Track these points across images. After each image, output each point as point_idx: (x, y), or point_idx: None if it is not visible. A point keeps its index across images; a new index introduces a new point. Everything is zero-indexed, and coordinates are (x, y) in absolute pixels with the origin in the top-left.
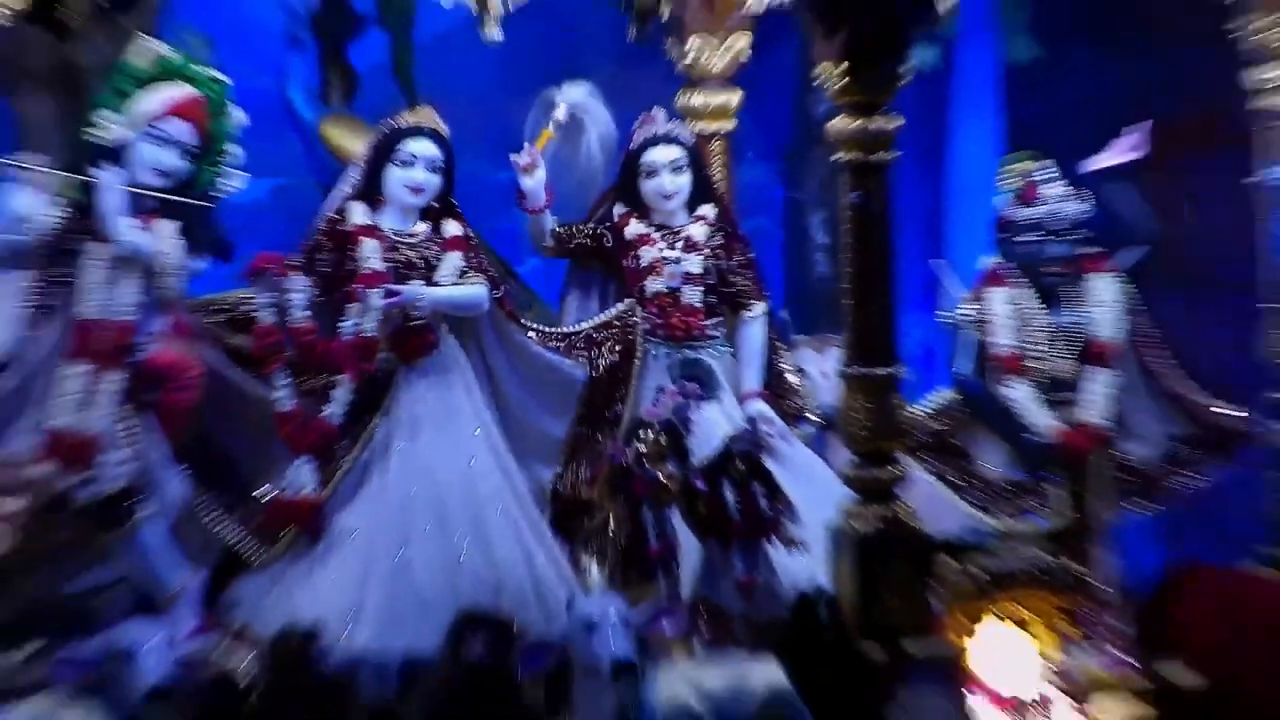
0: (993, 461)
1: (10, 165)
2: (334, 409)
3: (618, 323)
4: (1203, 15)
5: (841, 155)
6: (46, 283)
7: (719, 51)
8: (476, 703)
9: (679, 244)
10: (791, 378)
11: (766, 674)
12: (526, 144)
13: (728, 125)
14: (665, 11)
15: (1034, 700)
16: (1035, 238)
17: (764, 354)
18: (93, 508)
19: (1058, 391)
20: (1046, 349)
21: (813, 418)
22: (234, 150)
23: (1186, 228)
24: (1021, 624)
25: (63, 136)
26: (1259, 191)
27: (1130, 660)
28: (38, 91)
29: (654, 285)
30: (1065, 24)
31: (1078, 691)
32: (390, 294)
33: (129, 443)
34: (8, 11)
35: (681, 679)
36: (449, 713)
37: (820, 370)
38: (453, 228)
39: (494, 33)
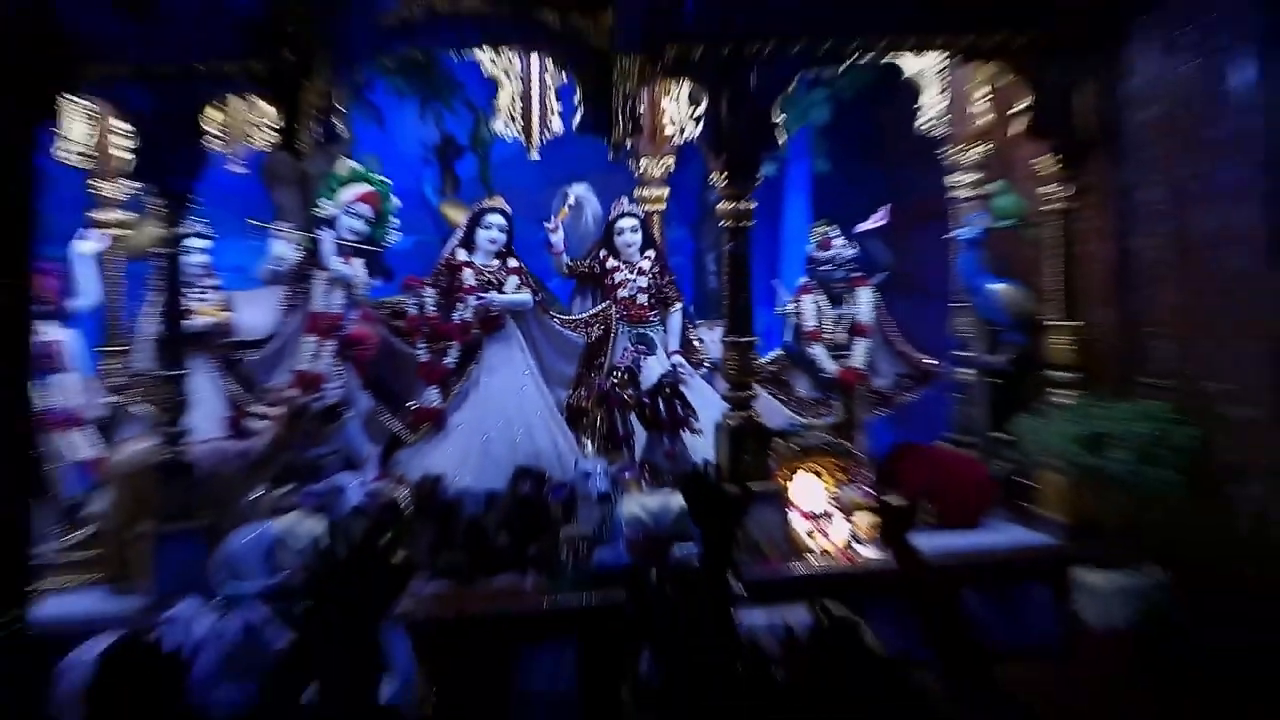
0: (803, 388)
1: (273, 228)
2: (449, 360)
3: (601, 314)
4: (925, 144)
5: (724, 223)
6: (293, 293)
7: (657, 165)
8: (526, 516)
9: (635, 272)
10: (696, 343)
11: (679, 501)
12: (552, 216)
13: (661, 206)
14: (628, 144)
15: (823, 513)
16: (828, 268)
17: (681, 330)
18: (320, 413)
19: (838, 351)
20: (833, 328)
21: (707, 365)
22: (393, 220)
23: (909, 262)
24: (817, 474)
25: (301, 212)
26: (951, 242)
27: (872, 492)
28: (287, 187)
29: (622, 293)
30: (846, 150)
31: (846, 509)
32: (479, 299)
33: (338, 378)
34: (269, 144)
35: (635, 503)
36: (512, 521)
37: (711, 339)
38: (512, 262)
39: (534, 155)
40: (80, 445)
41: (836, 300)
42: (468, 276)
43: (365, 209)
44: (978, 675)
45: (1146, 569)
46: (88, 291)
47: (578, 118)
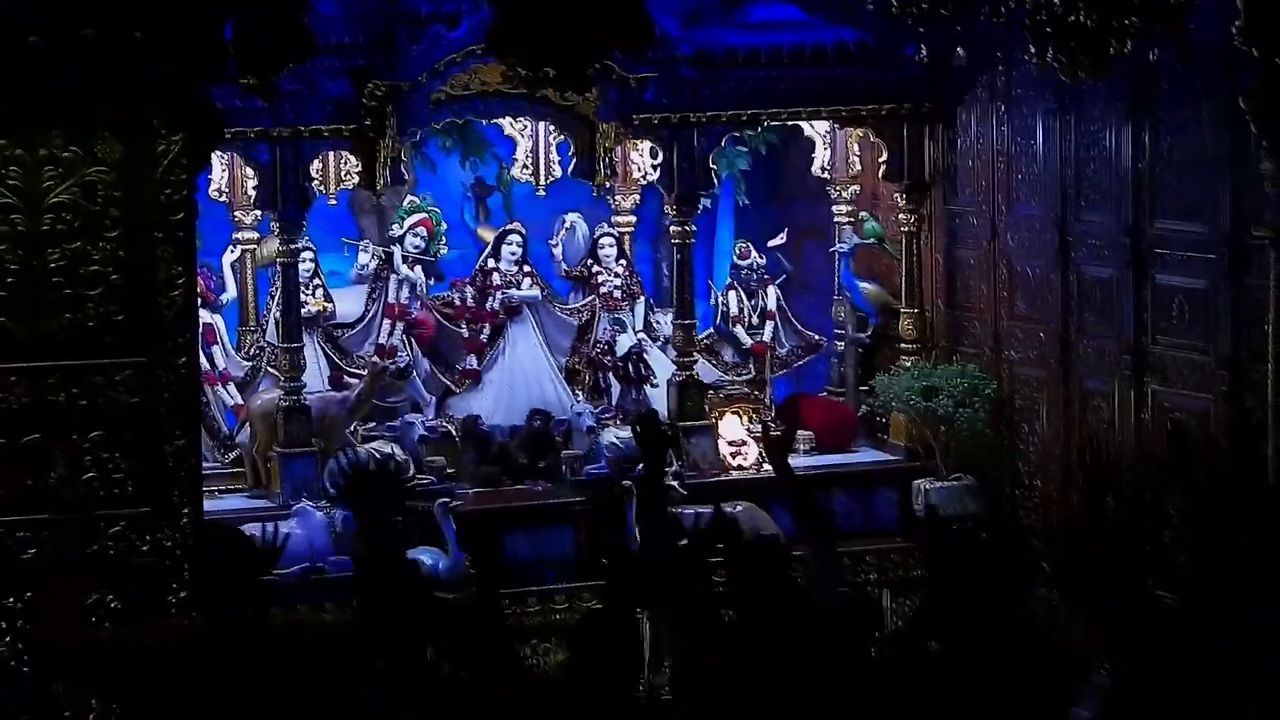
0: (728, 356)
1: (359, 244)
2: (483, 336)
3: (589, 305)
4: (816, 183)
5: (674, 240)
6: (373, 290)
7: (627, 199)
8: (538, 443)
9: (612, 275)
10: (654, 324)
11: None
12: (554, 236)
13: (631, 229)
14: (607, 184)
15: (741, 441)
16: (746, 272)
17: (644, 315)
18: (395, 372)
19: (752, 330)
20: (749, 314)
21: (662, 340)
22: (443, 238)
23: (802, 268)
24: (737, 415)
25: (378, 233)
26: (832, 254)
27: (774, 425)
28: (368, 215)
29: (603, 290)
30: (760, 189)
31: (758, 439)
32: (504, 294)
33: (406, 349)
34: (355, 185)
35: (611, 434)
36: (528, 446)
37: (665, 321)
38: (526, 268)
39: (542, 192)
40: (229, 396)
41: (752, 295)
42: (495, 278)
43: (423, 231)
44: (827, 550)
45: (961, 479)
46: (230, 288)
47: (572, 166)
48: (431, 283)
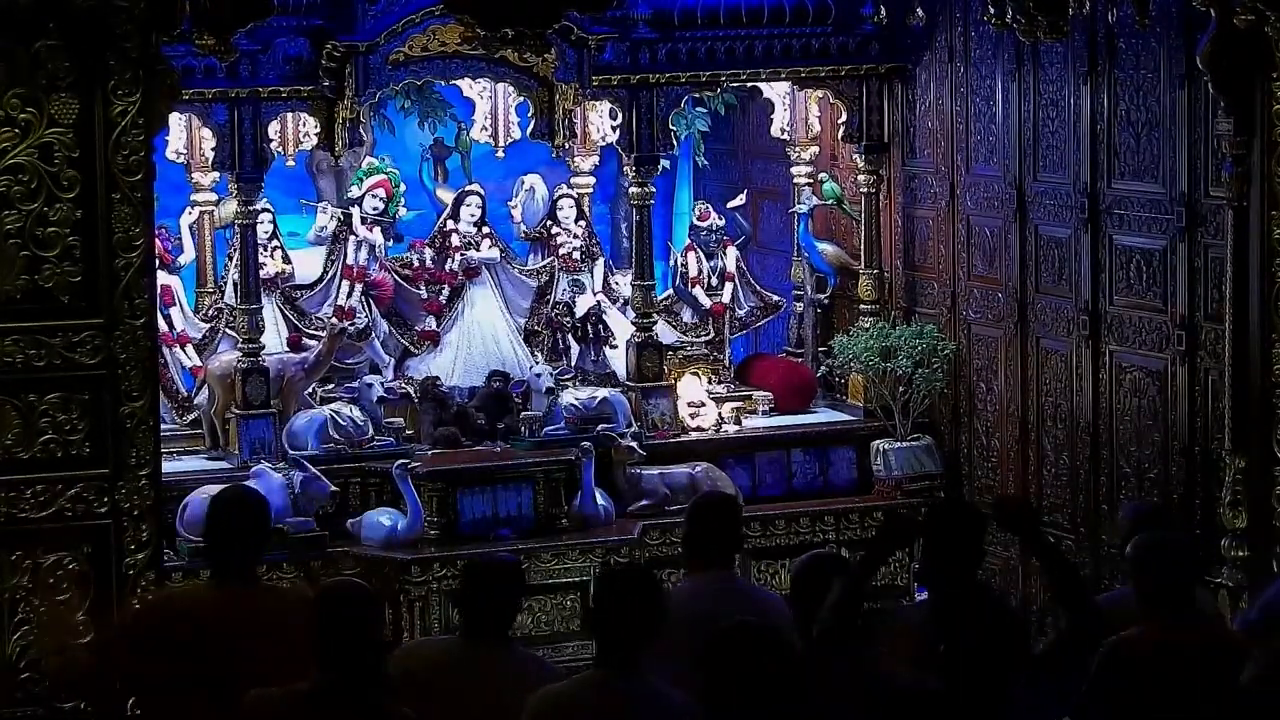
0: (687, 316)
1: (317, 205)
2: (442, 297)
3: (548, 266)
4: (774, 145)
5: (633, 201)
6: (331, 250)
7: (586, 160)
8: (496, 403)
9: (571, 236)
10: (613, 285)
11: (603, 393)
12: (513, 197)
13: (589, 190)
14: (566, 146)
15: (700, 402)
16: (705, 234)
17: (603, 276)
18: (353, 333)
19: (711, 291)
20: (708, 275)
21: (620, 300)
22: (402, 200)
23: (761, 228)
24: (696, 375)
25: (337, 194)
26: (791, 215)
27: (733, 388)
28: (327, 176)
29: (562, 251)
30: (719, 150)
31: (718, 399)
32: (463, 256)
33: (364, 311)
34: (313, 146)
35: (570, 395)
36: (487, 406)
37: (624, 283)
38: (485, 229)
39: (500, 154)
40: (187, 357)
41: (710, 255)
42: (454, 240)
43: (382, 192)
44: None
45: (919, 439)
46: (188, 250)
47: (530, 127)
48: (390, 244)
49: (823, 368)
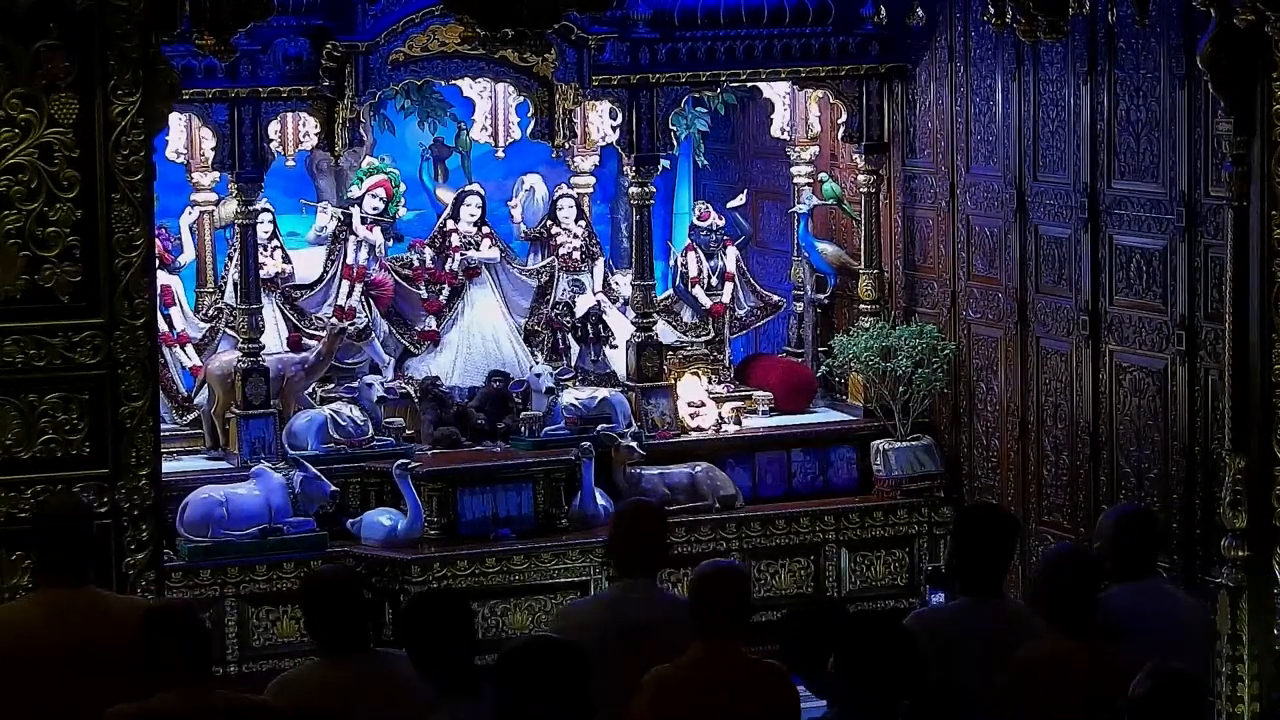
0: (687, 316)
1: (318, 205)
2: (442, 297)
3: (548, 265)
4: (775, 144)
5: (633, 201)
6: (331, 250)
7: (586, 160)
8: (496, 403)
9: (571, 235)
10: (613, 285)
11: (603, 393)
12: (513, 197)
13: (589, 190)
14: (566, 146)
15: (700, 402)
16: (705, 233)
17: (603, 276)
18: (353, 333)
19: (711, 291)
20: (708, 275)
21: (621, 299)
22: (402, 200)
23: (761, 228)
24: (696, 375)
25: (337, 194)
26: (791, 215)
27: (733, 387)
28: (327, 176)
29: (562, 250)
30: (719, 150)
31: (718, 399)
32: (463, 255)
33: (364, 310)
34: (314, 146)
35: (570, 395)
36: (487, 406)
37: (624, 282)
38: (485, 229)
39: (500, 154)
40: (187, 357)
41: (710, 255)
42: (454, 240)
43: (382, 192)
44: None
45: (919, 438)
46: (188, 250)
47: (530, 127)
48: (390, 244)
49: (823, 368)
